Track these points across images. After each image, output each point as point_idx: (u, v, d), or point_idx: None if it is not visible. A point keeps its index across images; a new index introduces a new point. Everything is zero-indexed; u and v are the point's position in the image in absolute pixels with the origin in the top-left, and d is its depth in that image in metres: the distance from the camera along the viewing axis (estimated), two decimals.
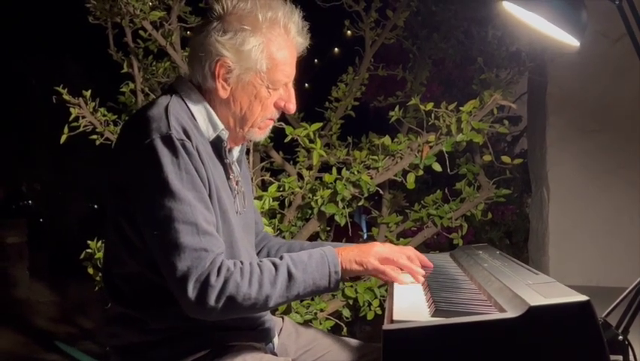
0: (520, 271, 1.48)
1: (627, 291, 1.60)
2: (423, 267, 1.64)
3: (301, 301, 2.69)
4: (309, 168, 2.89)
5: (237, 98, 1.54)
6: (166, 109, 1.46)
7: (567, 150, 3.40)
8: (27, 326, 5.67)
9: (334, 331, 2.73)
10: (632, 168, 3.24)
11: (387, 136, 2.87)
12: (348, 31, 3.35)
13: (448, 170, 2.79)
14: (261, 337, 1.65)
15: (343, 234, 2.88)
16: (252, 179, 2.35)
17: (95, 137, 2.68)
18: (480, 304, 1.33)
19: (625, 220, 3.28)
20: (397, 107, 2.96)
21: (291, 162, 3.14)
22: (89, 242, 2.60)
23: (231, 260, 1.42)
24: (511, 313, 1.15)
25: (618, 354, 1.47)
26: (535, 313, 1.11)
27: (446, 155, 2.75)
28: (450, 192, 3.04)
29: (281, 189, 2.73)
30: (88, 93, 2.64)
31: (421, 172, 2.81)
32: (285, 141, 2.77)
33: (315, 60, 7.81)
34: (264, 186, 2.87)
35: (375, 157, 2.81)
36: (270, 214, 2.75)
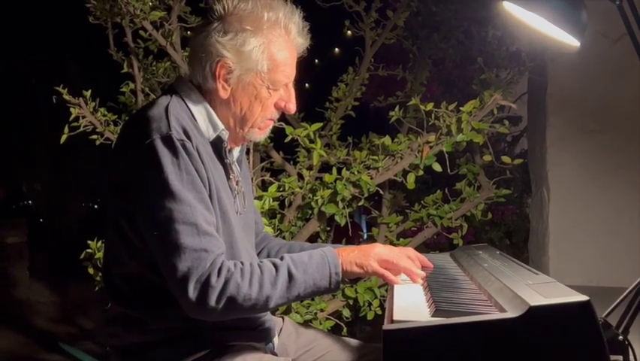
0: (520, 271, 1.48)
1: (627, 291, 1.60)
2: (423, 267, 1.64)
3: (301, 301, 2.69)
4: (310, 168, 2.89)
5: (238, 98, 1.54)
6: (166, 109, 1.46)
7: (567, 150, 3.40)
8: (27, 326, 5.67)
9: (334, 331, 2.73)
10: (632, 168, 3.24)
11: (387, 136, 2.87)
12: (349, 32, 3.35)
13: (448, 170, 2.79)
14: (261, 337, 1.65)
15: (343, 234, 2.89)
16: (252, 179, 2.35)
17: (95, 137, 2.68)
18: (480, 304, 1.33)
19: (625, 220, 3.28)
20: (397, 107, 2.96)
21: (291, 162, 3.14)
22: (89, 242, 2.60)
23: (232, 261, 1.42)
24: (511, 313, 1.15)
25: (618, 354, 1.47)
26: (535, 313, 1.11)
27: (446, 155, 2.75)
28: (450, 193, 3.04)
29: (281, 189, 2.73)
30: (88, 93, 2.64)
31: (421, 172, 2.81)
32: (285, 141, 2.77)
33: (316, 60, 7.82)
34: (264, 186, 2.87)
35: (376, 157, 2.81)
36: (270, 214, 2.75)
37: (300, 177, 2.88)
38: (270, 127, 1.64)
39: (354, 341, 1.83)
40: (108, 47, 2.92)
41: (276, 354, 1.70)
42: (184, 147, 1.42)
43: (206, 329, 1.50)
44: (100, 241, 2.58)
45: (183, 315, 1.41)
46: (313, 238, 2.90)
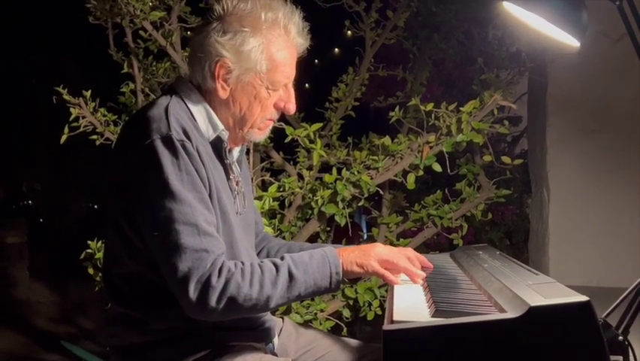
0: (520, 272, 1.48)
1: (627, 291, 1.60)
2: (423, 268, 1.64)
3: (301, 301, 2.69)
4: (310, 168, 2.89)
5: (237, 98, 1.54)
6: (166, 110, 1.46)
7: (567, 150, 3.40)
8: (27, 326, 5.67)
9: (334, 331, 2.73)
10: (632, 169, 3.24)
11: (387, 136, 2.87)
12: (349, 32, 3.35)
13: (448, 170, 2.79)
14: (261, 337, 1.65)
15: (343, 234, 2.88)
16: (252, 179, 2.35)
17: (95, 137, 2.68)
18: (480, 304, 1.33)
19: (625, 221, 3.28)
20: (397, 107, 2.96)
21: (292, 163, 3.14)
22: (89, 242, 2.61)
23: (232, 261, 1.42)
24: (511, 313, 1.15)
25: (618, 355, 1.47)
26: (535, 314, 1.11)
27: (446, 155, 2.75)
28: (450, 193, 3.04)
29: (281, 189, 2.73)
30: (88, 93, 2.64)
31: (421, 172, 2.81)
32: (286, 141, 2.77)
33: (316, 60, 7.82)
34: (264, 186, 2.87)
35: (376, 157, 2.81)
36: (270, 214, 2.75)
37: (300, 177, 2.88)
38: (270, 127, 1.64)
39: (354, 342, 1.83)
40: (108, 47, 2.92)
41: (276, 354, 1.70)
42: (184, 147, 1.42)
43: (206, 330, 1.50)
44: (100, 241, 2.58)
45: (183, 315, 1.41)
46: (313, 239, 2.90)
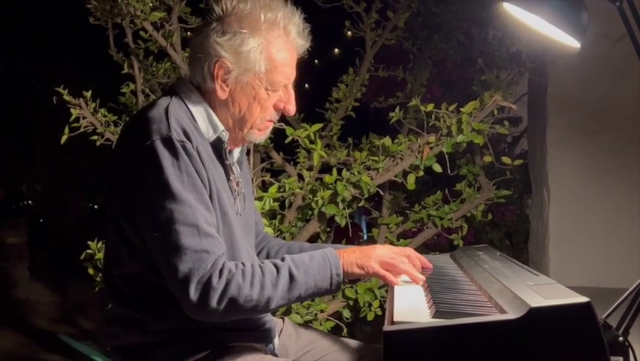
0: (520, 273, 1.48)
1: (628, 292, 1.60)
2: (422, 268, 1.64)
3: (302, 302, 2.69)
4: (310, 168, 2.90)
5: (236, 99, 1.54)
6: (166, 110, 1.46)
7: (567, 151, 3.40)
8: (27, 326, 5.67)
9: (334, 332, 2.73)
10: (632, 169, 3.24)
11: (387, 137, 2.87)
12: (349, 32, 3.35)
13: (449, 171, 2.79)
14: (261, 338, 1.65)
15: (343, 235, 2.89)
16: (252, 180, 2.35)
17: (95, 137, 2.68)
18: (480, 305, 1.33)
19: (625, 221, 3.28)
20: (398, 108, 2.96)
21: (292, 163, 3.14)
22: (89, 243, 2.61)
23: (233, 262, 1.42)
24: (511, 314, 1.15)
25: (618, 355, 1.46)
26: (535, 315, 1.11)
27: (446, 156, 2.76)
28: (450, 193, 3.04)
29: (281, 189, 2.73)
30: (88, 94, 2.64)
31: (421, 173, 2.81)
32: (286, 141, 2.77)
33: (316, 61, 7.82)
34: (264, 186, 2.88)
35: (376, 158, 2.82)
36: (271, 215, 2.75)
37: (301, 177, 2.88)
38: (270, 128, 1.63)
39: (354, 342, 1.83)
40: (108, 48, 2.92)
41: (276, 355, 1.70)
42: (184, 148, 1.42)
43: (206, 330, 1.50)
44: (100, 242, 2.58)
45: (184, 316, 1.41)
46: (313, 239, 2.91)
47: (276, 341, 1.74)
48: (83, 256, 2.64)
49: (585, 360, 1.13)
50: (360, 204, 2.83)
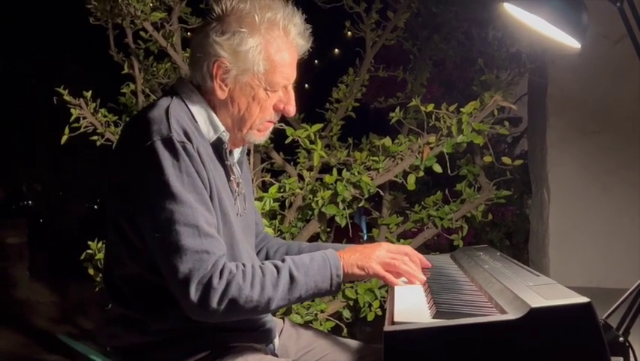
0: (520, 273, 1.48)
1: (628, 292, 1.59)
2: (422, 268, 1.64)
3: (302, 303, 2.69)
4: (310, 169, 2.90)
5: (235, 99, 1.53)
6: (167, 111, 1.46)
7: (567, 151, 3.40)
8: (27, 326, 5.66)
9: (334, 332, 2.73)
10: (632, 169, 3.24)
11: (387, 137, 2.87)
12: (349, 33, 3.35)
13: (449, 171, 2.79)
14: (261, 338, 1.65)
15: (344, 235, 2.89)
16: (252, 180, 2.35)
17: (95, 138, 2.68)
18: (481, 305, 1.34)
19: (625, 221, 3.27)
20: (398, 108, 2.97)
21: (292, 163, 3.14)
22: (89, 243, 2.61)
23: (233, 263, 1.42)
24: (512, 314, 1.15)
25: (619, 356, 1.46)
26: (536, 315, 1.11)
27: (446, 156, 2.76)
28: (450, 194, 3.04)
29: (281, 190, 2.73)
30: (89, 94, 2.64)
31: (421, 173, 2.81)
32: (286, 142, 2.77)
33: (316, 61, 7.81)
34: (264, 187, 2.88)
35: (376, 158, 2.82)
36: (271, 215, 2.75)
37: (301, 178, 2.88)
38: (270, 129, 1.63)
39: (354, 342, 1.83)
40: (109, 48, 2.92)
41: (276, 355, 1.70)
42: (185, 148, 1.42)
43: (206, 330, 1.50)
44: (100, 242, 2.58)
45: (184, 316, 1.41)
46: (313, 239, 2.91)
47: (276, 341, 1.74)
48: (83, 256, 2.64)
49: (585, 360, 1.13)
50: (360, 205, 2.84)
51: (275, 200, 2.66)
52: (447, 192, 3.04)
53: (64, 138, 2.60)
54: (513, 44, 3.22)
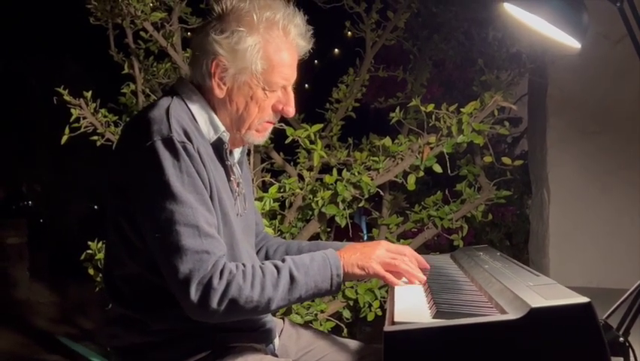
0: (520, 273, 1.49)
1: (628, 293, 1.59)
2: (421, 269, 1.64)
3: (302, 303, 2.69)
4: (310, 169, 2.90)
5: (234, 98, 1.53)
6: (167, 111, 1.46)
7: (567, 151, 3.39)
8: (27, 326, 5.66)
9: (334, 332, 2.73)
10: (632, 170, 3.24)
11: (387, 137, 2.87)
12: (349, 33, 3.35)
13: (449, 171, 2.79)
14: (261, 338, 1.65)
15: (344, 235, 2.88)
16: (252, 180, 2.36)
17: (95, 138, 2.68)
18: (481, 305, 1.34)
19: (626, 221, 3.27)
20: (398, 108, 2.97)
21: (292, 163, 3.14)
22: (89, 243, 2.61)
23: (233, 263, 1.43)
24: (512, 314, 1.15)
25: (619, 356, 1.46)
26: (536, 315, 1.11)
27: (447, 156, 2.76)
28: (450, 194, 3.04)
29: (281, 190, 2.73)
30: (89, 94, 2.64)
31: (421, 173, 2.81)
32: (286, 142, 2.77)
33: (316, 61, 7.81)
34: (264, 187, 2.88)
35: (376, 158, 2.82)
36: (271, 215, 2.75)
37: (301, 178, 2.88)
38: (269, 130, 1.62)
39: (354, 342, 1.83)
40: (109, 48, 2.92)
41: (276, 355, 1.70)
42: (185, 148, 1.42)
43: (207, 330, 1.50)
44: (100, 242, 2.58)
45: (184, 316, 1.41)
46: (313, 239, 2.89)
47: (277, 341, 1.74)
48: (83, 257, 2.64)
49: (586, 360, 1.13)
50: (360, 205, 2.83)
51: (275, 200, 2.66)
52: (447, 192, 3.04)
53: (64, 138, 2.60)
54: (513, 44, 3.22)
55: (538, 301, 1.15)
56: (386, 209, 3.28)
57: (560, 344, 1.13)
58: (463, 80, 3.90)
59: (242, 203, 1.63)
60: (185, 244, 1.36)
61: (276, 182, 2.82)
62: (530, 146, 3.85)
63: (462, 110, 2.73)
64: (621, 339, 1.47)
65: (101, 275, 2.57)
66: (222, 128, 1.54)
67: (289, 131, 2.71)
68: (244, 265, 1.43)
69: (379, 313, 2.78)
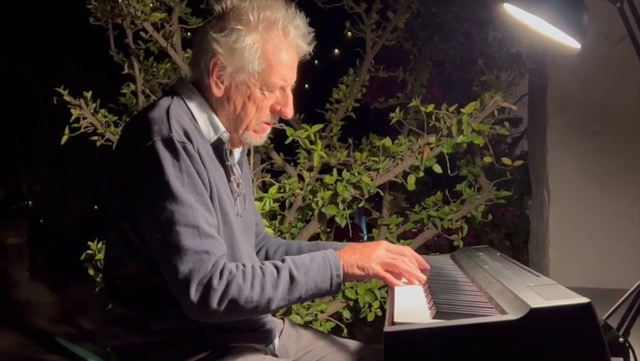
0: (520, 273, 1.49)
1: (628, 293, 1.59)
2: (421, 269, 1.64)
3: (302, 303, 2.69)
4: (310, 169, 2.90)
5: (232, 97, 1.53)
6: (167, 111, 1.46)
7: (567, 151, 3.39)
8: (27, 326, 5.66)
9: (334, 332, 2.73)
10: (632, 170, 3.24)
11: (387, 138, 2.87)
12: (349, 33, 3.35)
13: (449, 171, 2.79)
14: (261, 338, 1.65)
15: (344, 235, 2.88)
16: (252, 180, 2.36)
17: (95, 138, 2.68)
18: (481, 306, 1.34)
19: (625, 222, 3.27)
20: (398, 108, 2.97)
21: (292, 164, 3.14)
22: (89, 243, 2.61)
23: (233, 263, 1.43)
24: (512, 315, 1.15)
25: (619, 356, 1.46)
26: (536, 316, 1.11)
27: (447, 156, 2.76)
28: (450, 194, 3.04)
29: (281, 190, 2.73)
30: (89, 94, 2.64)
31: (421, 174, 2.81)
32: (286, 142, 2.77)
33: (316, 61, 7.81)
34: (264, 187, 2.88)
35: (376, 158, 2.82)
36: (271, 216, 2.75)
37: (301, 178, 2.88)
38: (267, 132, 1.62)
39: (354, 343, 1.83)
40: (109, 48, 2.92)
41: (276, 356, 1.70)
42: (185, 149, 1.42)
43: (206, 331, 1.50)
44: (100, 242, 2.58)
45: (184, 316, 1.41)
46: (313, 240, 2.89)
47: (276, 341, 1.74)
48: (83, 257, 2.64)
49: None
50: (360, 205, 2.83)
51: (275, 200, 2.66)
52: (447, 192, 3.04)
53: (64, 138, 2.60)
54: (513, 45, 3.21)
55: (538, 301, 1.15)
56: (386, 209, 3.28)
57: (560, 345, 1.13)
58: (463, 81, 3.89)
59: (242, 203, 1.63)
60: (185, 245, 1.36)
61: (276, 182, 2.82)
62: (530, 146, 3.85)
63: (462, 110, 2.73)
64: (621, 339, 1.47)
65: (100, 275, 2.57)
66: (222, 128, 1.54)
67: (289, 131, 2.71)
68: (244, 265, 1.43)
69: (379, 313, 2.77)
